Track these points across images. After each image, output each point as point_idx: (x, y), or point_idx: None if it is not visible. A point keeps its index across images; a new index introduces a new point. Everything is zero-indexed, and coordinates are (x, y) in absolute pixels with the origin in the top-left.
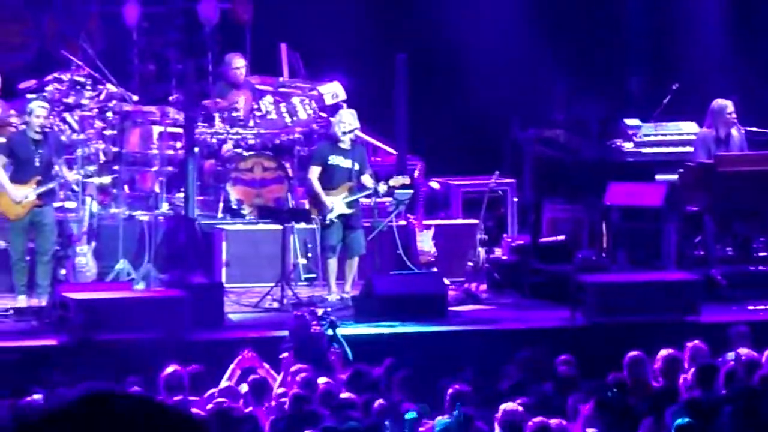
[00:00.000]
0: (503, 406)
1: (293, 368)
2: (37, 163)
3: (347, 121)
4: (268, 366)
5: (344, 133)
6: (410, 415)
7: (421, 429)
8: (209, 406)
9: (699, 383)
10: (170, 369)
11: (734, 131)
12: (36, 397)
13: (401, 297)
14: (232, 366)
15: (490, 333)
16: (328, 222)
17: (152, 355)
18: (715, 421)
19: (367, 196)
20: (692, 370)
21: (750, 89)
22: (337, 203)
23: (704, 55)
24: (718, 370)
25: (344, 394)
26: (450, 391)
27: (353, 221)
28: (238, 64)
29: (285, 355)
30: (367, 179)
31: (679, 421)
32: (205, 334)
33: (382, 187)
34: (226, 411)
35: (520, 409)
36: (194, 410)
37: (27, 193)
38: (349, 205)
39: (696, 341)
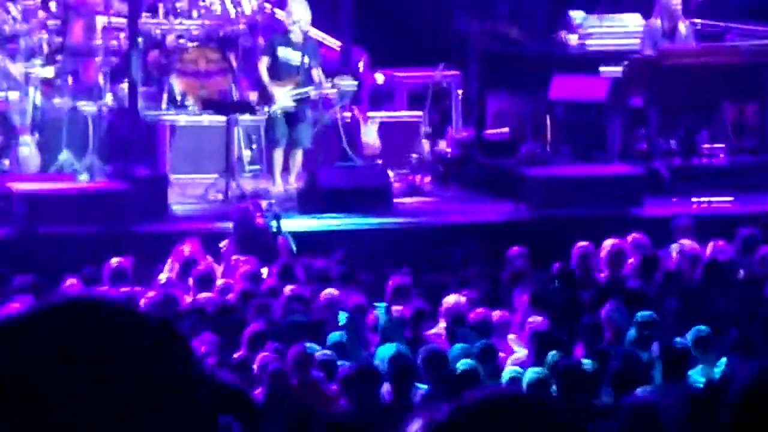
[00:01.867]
0: (447, 299)
1: (233, 258)
2: None
3: (295, 12)
4: (211, 258)
5: (293, 23)
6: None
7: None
8: (150, 294)
9: (640, 275)
10: (114, 260)
11: (681, 24)
12: None
13: (345, 189)
14: (170, 258)
15: (435, 226)
16: (272, 114)
17: (95, 246)
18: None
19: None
20: (631, 261)
21: None
22: (282, 96)
23: None
24: (660, 263)
25: (290, 287)
26: (390, 283)
27: (299, 113)
28: None
29: (225, 243)
30: (316, 73)
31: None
32: (148, 226)
33: (327, 86)
34: (171, 301)
35: (463, 300)
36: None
37: None
38: (295, 99)
39: (635, 234)
